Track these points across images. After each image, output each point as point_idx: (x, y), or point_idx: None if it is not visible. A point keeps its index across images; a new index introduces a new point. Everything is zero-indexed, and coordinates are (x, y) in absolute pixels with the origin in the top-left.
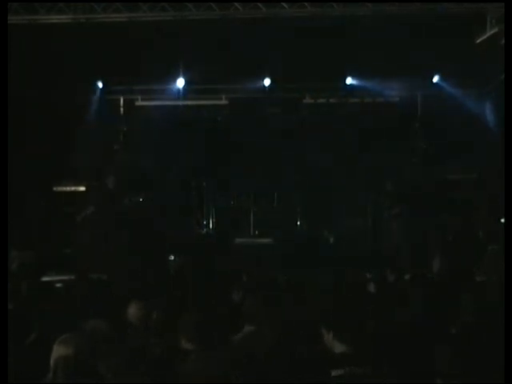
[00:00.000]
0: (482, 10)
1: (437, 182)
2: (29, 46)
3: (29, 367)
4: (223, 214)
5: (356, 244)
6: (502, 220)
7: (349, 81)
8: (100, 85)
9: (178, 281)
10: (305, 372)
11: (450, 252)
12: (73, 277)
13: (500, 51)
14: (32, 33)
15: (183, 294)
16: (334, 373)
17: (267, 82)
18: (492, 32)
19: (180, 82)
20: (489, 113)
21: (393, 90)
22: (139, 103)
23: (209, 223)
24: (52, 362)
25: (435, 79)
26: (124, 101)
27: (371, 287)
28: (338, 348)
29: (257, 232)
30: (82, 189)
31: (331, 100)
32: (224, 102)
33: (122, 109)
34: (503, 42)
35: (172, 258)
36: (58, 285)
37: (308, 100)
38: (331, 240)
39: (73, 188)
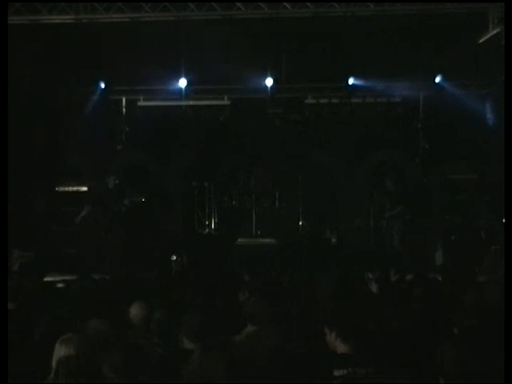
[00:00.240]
0: (484, 11)
1: (439, 182)
2: (30, 45)
3: (30, 367)
4: (225, 214)
5: (358, 244)
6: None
7: (351, 81)
8: (102, 85)
9: (180, 281)
10: (307, 372)
11: (452, 252)
12: (75, 277)
13: (502, 51)
14: (34, 33)
15: (185, 295)
16: (336, 373)
17: (269, 82)
18: (494, 32)
19: (182, 82)
20: (491, 113)
21: (395, 91)
22: (141, 103)
23: (211, 223)
24: (54, 362)
25: (437, 79)
26: (126, 101)
27: (373, 287)
28: (341, 348)
29: (259, 232)
30: (84, 189)
31: (333, 100)
32: (226, 102)
33: (124, 109)
34: None
35: (174, 258)
36: (60, 285)
37: (310, 100)
38: (333, 240)
39: (75, 188)
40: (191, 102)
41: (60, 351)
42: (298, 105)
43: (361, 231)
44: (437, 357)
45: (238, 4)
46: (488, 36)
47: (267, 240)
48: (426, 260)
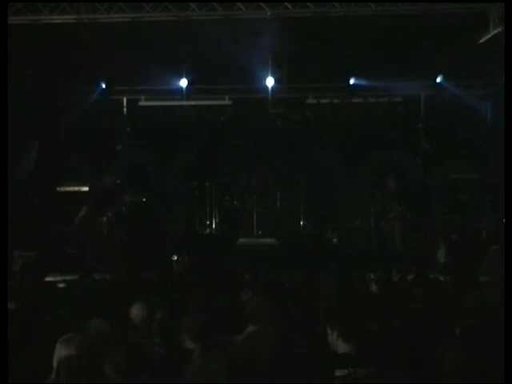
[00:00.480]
0: (484, 11)
1: (440, 182)
2: (31, 45)
3: (31, 367)
4: (226, 214)
5: (360, 244)
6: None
7: (352, 81)
8: (103, 85)
9: (182, 281)
10: (308, 372)
11: (453, 252)
12: (76, 277)
13: (503, 51)
14: (34, 32)
15: (186, 295)
16: (337, 373)
17: (270, 82)
18: (495, 32)
19: (183, 82)
20: (492, 113)
21: (396, 90)
22: (142, 103)
23: (212, 223)
24: (55, 362)
25: (438, 79)
26: (127, 101)
27: (375, 287)
28: (342, 348)
29: (260, 232)
30: (86, 189)
31: (334, 100)
32: (227, 102)
33: (125, 109)
34: None
35: (175, 258)
36: (61, 285)
37: (311, 100)
38: (335, 240)
39: (76, 188)
40: (192, 102)
41: (61, 351)
42: (299, 105)
43: (362, 231)
44: (438, 357)
45: (239, 4)
46: (489, 36)
47: (268, 240)
48: (428, 260)
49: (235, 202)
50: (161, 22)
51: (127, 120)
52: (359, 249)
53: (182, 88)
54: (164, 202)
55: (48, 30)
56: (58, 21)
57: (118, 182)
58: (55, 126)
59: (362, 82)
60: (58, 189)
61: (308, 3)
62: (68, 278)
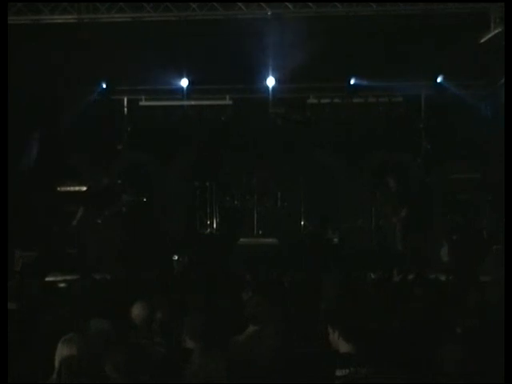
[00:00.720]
0: (485, 10)
1: (441, 182)
2: (32, 45)
3: (33, 367)
4: (227, 214)
5: (361, 244)
6: None
7: (353, 81)
8: (104, 85)
9: (182, 281)
10: (309, 372)
11: (454, 252)
12: (76, 277)
13: (503, 51)
14: (35, 32)
15: (187, 295)
16: (338, 373)
17: (271, 81)
18: (496, 32)
19: (184, 82)
20: (492, 113)
21: (396, 90)
22: (143, 103)
23: (212, 223)
24: (56, 362)
25: (439, 79)
26: (128, 101)
27: (376, 287)
28: (344, 348)
29: (260, 232)
30: (86, 189)
31: (335, 100)
32: (228, 101)
33: (125, 109)
34: None
35: (176, 258)
36: (62, 285)
37: (312, 100)
38: (335, 240)
39: (77, 188)
40: (193, 102)
41: (62, 351)
42: (300, 105)
43: (362, 231)
44: (439, 357)
45: (240, 4)
46: (489, 36)
47: (269, 240)
48: (428, 260)
49: (236, 202)
50: (161, 22)
51: (128, 120)
52: (360, 249)
53: (182, 88)
54: (164, 201)
55: (48, 29)
56: (59, 21)
57: (119, 181)
58: (55, 126)
59: (363, 82)
60: (59, 189)
61: (309, 3)
62: (68, 277)
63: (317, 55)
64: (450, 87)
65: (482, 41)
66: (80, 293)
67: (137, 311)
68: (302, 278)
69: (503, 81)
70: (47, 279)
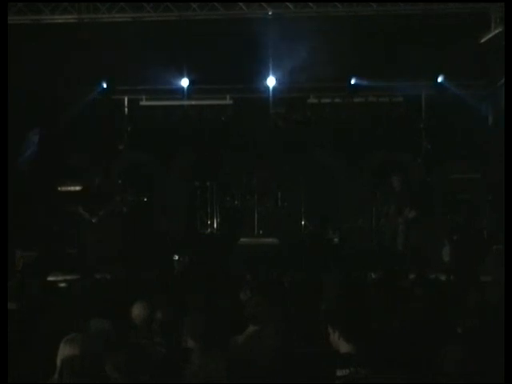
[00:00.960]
0: (486, 10)
1: (441, 182)
2: (32, 45)
3: (33, 367)
4: (227, 214)
5: (361, 244)
6: None
7: (353, 81)
8: (104, 85)
9: (182, 281)
10: (309, 372)
11: (455, 252)
12: (77, 277)
13: (504, 51)
14: (35, 32)
15: (187, 295)
16: (339, 373)
17: (271, 81)
18: (496, 32)
19: (184, 82)
20: (492, 113)
21: (397, 90)
22: (143, 103)
23: (213, 223)
24: (58, 362)
25: (439, 79)
26: (128, 100)
27: (376, 287)
28: (344, 348)
29: (261, 232)
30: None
31: (335, 100)
32: (228, 101)
33: (126, 109)
34: None
35: (176, 258)
36: (62, 285)
37: (312, 100)
38: (336, 240)
39: (76, 188)
40: (193, 102)
41: (64, 351)
42: (300, 105)
43: (363, 231)
44: (440, 357)
45: (241, 4)
46: (490, 36)
47: (269, 240)
48: (429, 260)
49: (236, 202)
50: (161, 22)
51: (128, 120)
52: (360, 249)
53: (183, 88)
54: (165, 201)
55: (48, 29)
56: (59, 21)
57: (119, 181)
58: (55, 126)
59: (363, 82)
60: (59, 189)
61: (310, 3)
62: (69, 277)
63: (317, 55)
64: (451, 87)
65: (483, 41)
66: (80, 293)
67: (137, 311)
68: (302, 278)
69: (503, 81)
70: (47, 279)
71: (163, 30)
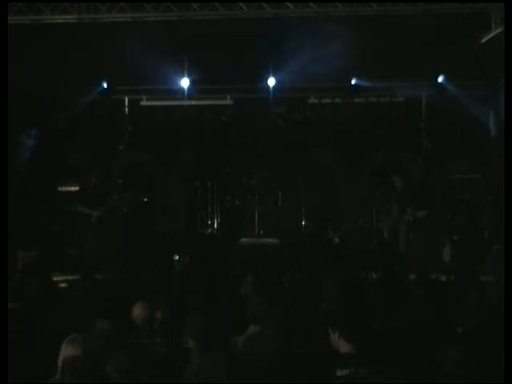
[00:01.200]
0: (486, 10)
1: (441, 182)
2: (32, 45)
3: (33, 367)
4: (228, 214)
5: (361, 244)
6: None
7: (353, 81)
8: (104, 85)
9: (183, 281)
10: (309, 372)
11: (455, 252)
12: (77, 277)
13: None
14: (35, 32)
15: (188, 295)
16: (339, 373)
17: (272, 81)
18: (496, 32)
19: (185, 82)
20: (493, 113)
21: (397, 90)
22: (144, 103)
23: (213, 223)
24: (60, 361)
25: (440, 79)
26: (129, 101)
27: (376, 287)
28: (344, 348)
29: (261, 232)
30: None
31: (336, 100)
32: (229, 101)
33: (126, 109)
34: None
35: (177, 258)
36: (63, 285)
37: (313, 100)
38: (336, 240)
39: (77, 188)
40: (194, 102)
41: (66, 351)
42: (301, 105)
43: (363, 231)
44: (441, 357)
45: (241, 4)
46: (490, 36)
47: (270, 240)
48: (430, 260)
49: (237, 202)
50: (162, 22)
51: (128, 120)
52: (360, 249)
53: (183, 88)
54: (165, 201)
55: (49, 29)
56: (60, 21)
57: (120, 181)
58: (56, 126)
59: (364, 82)
60: (59, 189)
61: (310, 3)
62: (69, 278)
63: (317, 55)
64: (451, 87)
65: (483, 41)
66: (80, 293)
67: (137, 311)
68: (302, 278)
69: (503, 81)
70: (48, 279)
71: (163, 30)
